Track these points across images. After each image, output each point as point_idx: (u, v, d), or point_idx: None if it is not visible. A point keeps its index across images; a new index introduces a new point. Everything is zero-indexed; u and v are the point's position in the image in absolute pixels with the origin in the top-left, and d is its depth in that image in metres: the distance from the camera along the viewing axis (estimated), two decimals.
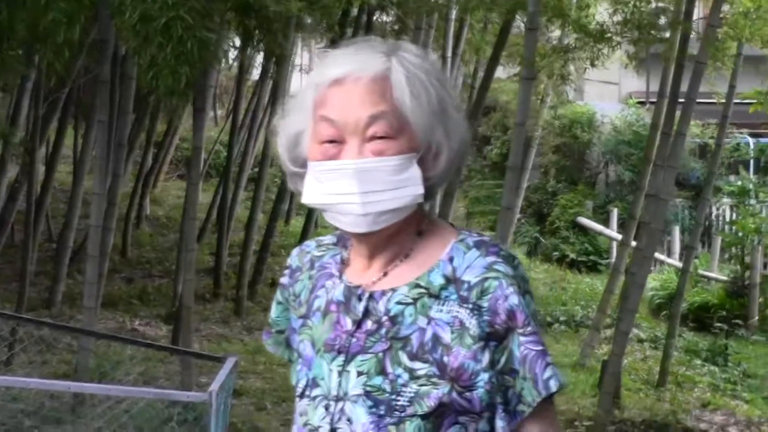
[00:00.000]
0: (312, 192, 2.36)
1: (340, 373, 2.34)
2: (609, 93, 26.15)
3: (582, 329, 15.10)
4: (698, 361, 13.88)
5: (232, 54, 19.38)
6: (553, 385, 2.30)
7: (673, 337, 12.65)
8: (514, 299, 2.29)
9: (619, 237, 16.24)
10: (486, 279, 2.30)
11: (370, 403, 2.29)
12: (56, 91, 12.67)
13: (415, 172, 2.30)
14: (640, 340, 14.77)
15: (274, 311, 2.64)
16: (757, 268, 16.62)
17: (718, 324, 15.40)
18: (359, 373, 2.32)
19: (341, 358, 2.35)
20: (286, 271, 2.62)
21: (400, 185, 2.29)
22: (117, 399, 8.24)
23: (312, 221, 15.17)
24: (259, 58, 18.12)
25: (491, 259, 2.33)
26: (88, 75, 13.00)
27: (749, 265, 16.93)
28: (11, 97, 12.44)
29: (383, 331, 2.32)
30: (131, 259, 15.98)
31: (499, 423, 2.31)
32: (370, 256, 2.41)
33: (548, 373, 2.30)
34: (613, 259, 16.14)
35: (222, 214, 15.48)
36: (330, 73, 2.32)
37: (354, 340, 2.35)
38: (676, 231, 20.90)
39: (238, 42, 14.74)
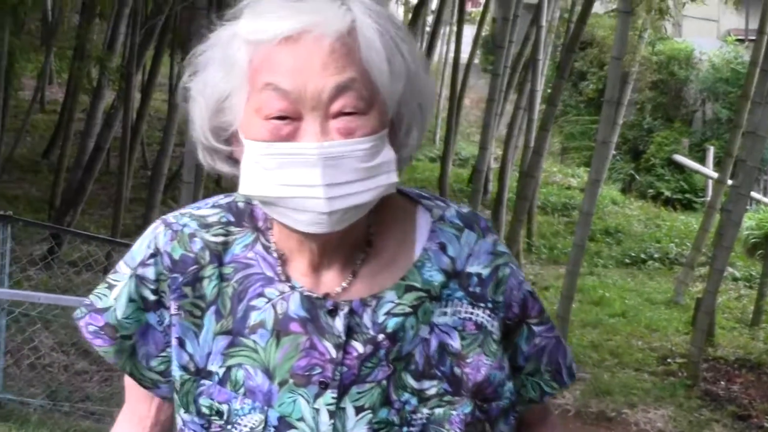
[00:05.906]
0: (255, 181, 1.79)
1: (332, 413, 1.80)
2: (708, 29, 25.77)
3: (676, 267, 15.01)
4: None
5: None
6: (575, 368, 2.03)
7: None
8: (527, 285, 1.94)
9: (715, 175, 16.03)
10: (497, 267, 1.90)
11: None
12: (153, 18, 12.73)
13: (389, 155, 1.75)
14: (735, 279, 14.61)
15: (122, 310, 1.94)
16: None
17: None
18: (359, 409, 1.81)
19: (331, 394, 1.81)
20: (150, 261, 1.95)
21: (372, 174, 1.73)
22: None
23: None
24: None
25: (490, 239, 1.92)
26: (185, 2, 13.06)
27: None
28: (108, 23, 12.53)
29: (382, 353, 1.82)
30: (226, 189, 16.01)
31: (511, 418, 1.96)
32: (321, 252, 1.85)
33: (569, 357, 2.01)
34: (708, 197, 15.92)
35: None
36: (277, 27, 1.72)
37: (345, 369, 1.81)
38: None
39: None
